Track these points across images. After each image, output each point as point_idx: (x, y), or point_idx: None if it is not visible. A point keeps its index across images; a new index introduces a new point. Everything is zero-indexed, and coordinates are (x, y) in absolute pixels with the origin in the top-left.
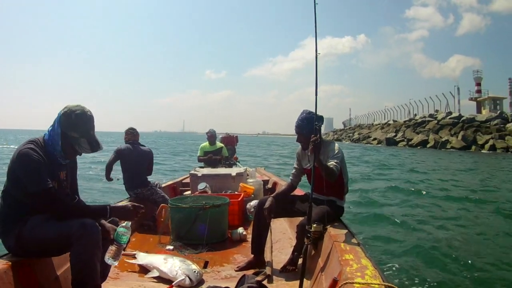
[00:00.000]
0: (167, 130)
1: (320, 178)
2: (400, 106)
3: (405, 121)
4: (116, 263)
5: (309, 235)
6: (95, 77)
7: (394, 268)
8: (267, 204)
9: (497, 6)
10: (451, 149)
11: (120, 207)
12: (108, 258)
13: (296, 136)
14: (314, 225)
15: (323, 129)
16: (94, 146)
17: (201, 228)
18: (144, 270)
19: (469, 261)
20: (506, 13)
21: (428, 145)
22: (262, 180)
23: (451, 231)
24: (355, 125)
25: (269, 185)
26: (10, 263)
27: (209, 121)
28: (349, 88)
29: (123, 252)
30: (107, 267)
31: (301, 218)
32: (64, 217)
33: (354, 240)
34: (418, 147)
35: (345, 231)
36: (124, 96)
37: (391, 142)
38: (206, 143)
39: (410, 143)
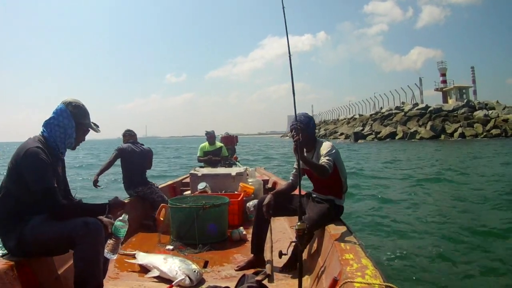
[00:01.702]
0: None
1: (315, 177)
2: (365, 100)
3: (371, 115)
4: (114, 257)
5: (296, 233)
6: (53, 84)
7: (394, 268)
8: (266, 201)
9: None
10: (420, 140)
11: (115, 204)
12: (106, 252)
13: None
14: (299, 223)
15: (285, 128)
16: (97, 125)
17: (210, 228)
18: (144, 270)
19: (469, 259)
20: (465, 4)
21: (397, 137)
22: (262, 180)
23: (451, 231)
24: (320, 121)
25: (269, 185)
26: (10, 263)
27: (171, 125)
28: (310, 85)
29: (124, 252)
30: (105, 263)
31: None
32: (64, 217)
33: (354, 240)
34: (387, 140)
35: (345, 230)
36: (86, 103)
37: (359, 136)
38: (206, 143)
39: (378, 136)
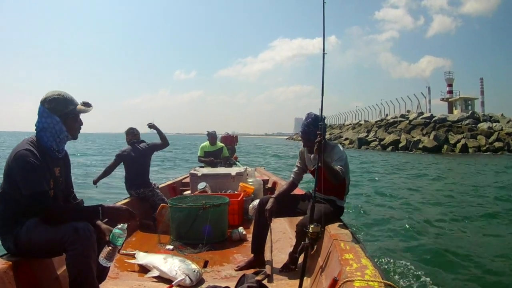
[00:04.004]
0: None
1: (323, 179)
2: (371, 107)
3: (376, 121)
4: (109, 265)
5: (309, 235)
6: (62, 78)
7: (394, 268)
8: (268, 205)
9: (468, 8)
10: (422, 151)
11: (113, 209)
12: (102, 259)
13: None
14: (312, 226)
15: (291, 130)
16: (87, 104)
17: (205, 229)
18: (144, 269)
19: (468, 259)
20: (476, 15)
21: (400, 145)
22: (262, 180)
23: (450, 230)
24: (326, 126)
25: (269, 185)
26: (10, 263)
27: (179, 122)
28: (319, 89)
29: (123, 252)
30: (106, 268)
31: (300, 218)
32: (56, 221)
33: (354, 240)
34: (390, 147)
35: (345, 230)
36: (94, 97)
37: (363, 142)
38: (207, 143)
39: (382, 143)
